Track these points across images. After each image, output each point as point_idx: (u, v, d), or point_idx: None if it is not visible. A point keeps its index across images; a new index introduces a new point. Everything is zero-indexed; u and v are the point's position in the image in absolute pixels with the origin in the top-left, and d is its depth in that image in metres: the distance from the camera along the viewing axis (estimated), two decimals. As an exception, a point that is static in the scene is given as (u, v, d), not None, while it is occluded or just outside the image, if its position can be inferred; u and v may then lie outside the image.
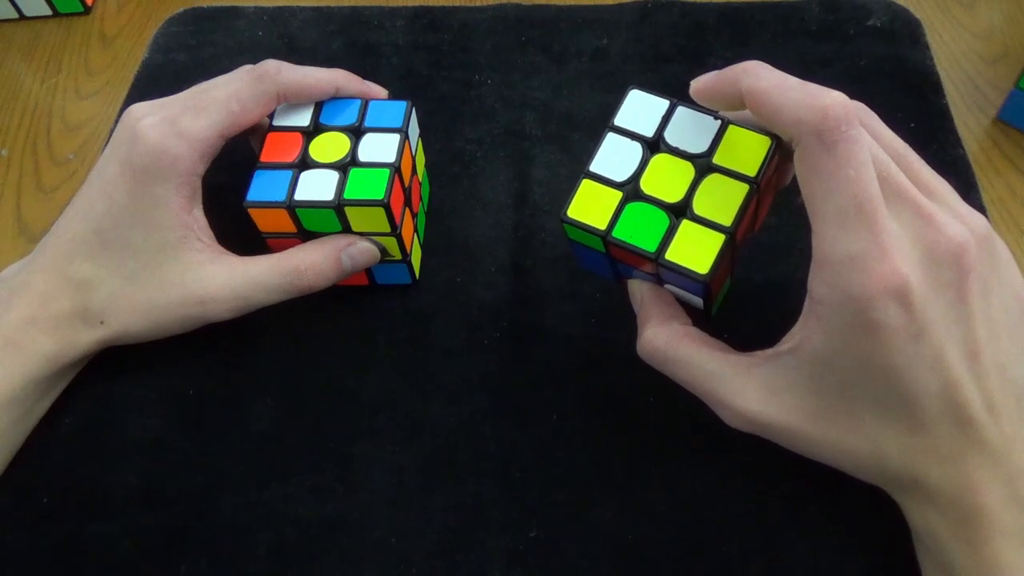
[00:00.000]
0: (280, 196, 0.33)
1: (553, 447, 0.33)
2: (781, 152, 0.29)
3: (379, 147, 0.34)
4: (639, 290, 0.31)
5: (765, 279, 0.36)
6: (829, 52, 0.44)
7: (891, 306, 0.24)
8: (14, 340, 0.31)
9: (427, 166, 0.40)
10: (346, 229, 0.34)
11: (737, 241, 0.29)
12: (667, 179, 0.29)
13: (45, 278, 0.33)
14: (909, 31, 0.45)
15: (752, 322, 0.32)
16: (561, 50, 0.45)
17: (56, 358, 0.32)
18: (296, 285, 0.33)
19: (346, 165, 0.33)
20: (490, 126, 0.43)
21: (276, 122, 0.35)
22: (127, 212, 0.32)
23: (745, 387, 0.28)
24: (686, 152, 0.29)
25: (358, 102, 0.35)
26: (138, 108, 0.34)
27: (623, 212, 0.29)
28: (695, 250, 0.28)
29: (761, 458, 0.30)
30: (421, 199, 0.38)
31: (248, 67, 0.35)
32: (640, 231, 0.29)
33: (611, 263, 0.31)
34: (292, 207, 0.33)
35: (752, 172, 0.28)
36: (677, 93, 0.31)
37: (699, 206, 0.29)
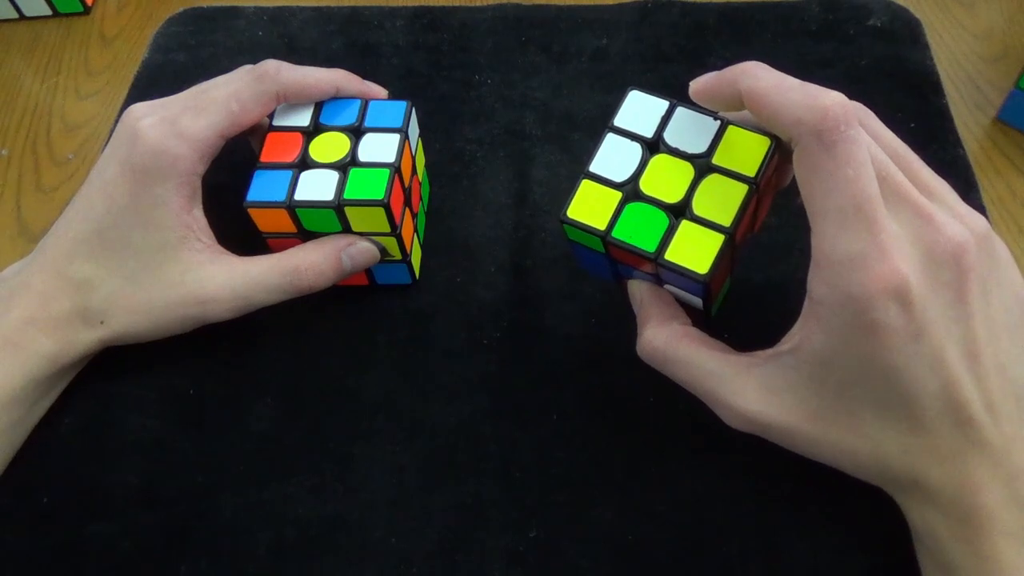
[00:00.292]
0: (280, 196, 0.33)
1: (553, 447, 0.33)
2: (780, 152, 0.29)
3: (379, 147, 0.34)
4: (639, 290, 0.31)
5: (765, 279, 0.36)
6: (829, 52, 0.44)
7: (891, 306, 0.24)
8: (14, 340, 0.31)
9: (427, 166, 0.40)
10: (346, 229, 0.34)
11: (737, 241, 0.29)
12: (667, 179, 0.29)
13: (45, 278, 0.33)
14: (909, 31, 0.45)
15: (752, 322, 0.32)
16: (561, 50, 0.45)
17: (56, 358, 0.32)
18: (296, 285, 0.33)
19: (346, 165, 0.33)
20: (490, 126, 0.43)
21: (276, 122, 0.35)
22: (127, 212, 0.32)
23: (745, 387, 0.28)
24: (686, 152, 0.29)
25: (358, 102, 0.35)
26: (138, 108, 0.34)
27: (623, 212, 0.29)
28: (695, 250, 0.28)
29: (761, 458, 0.30)
30: (421, 199, 0.38)
31: (248, 67, 0.35)
32: (640, 231, 0.29)
33: (611, 263, 0.31)
34: (292, 207, 0.33)
35: (752, 172, 0.28)
36: (677, 93, 0.31)
37: (699, 206, 0.29)
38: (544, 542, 0.31)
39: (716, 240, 0.28)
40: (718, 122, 0.29)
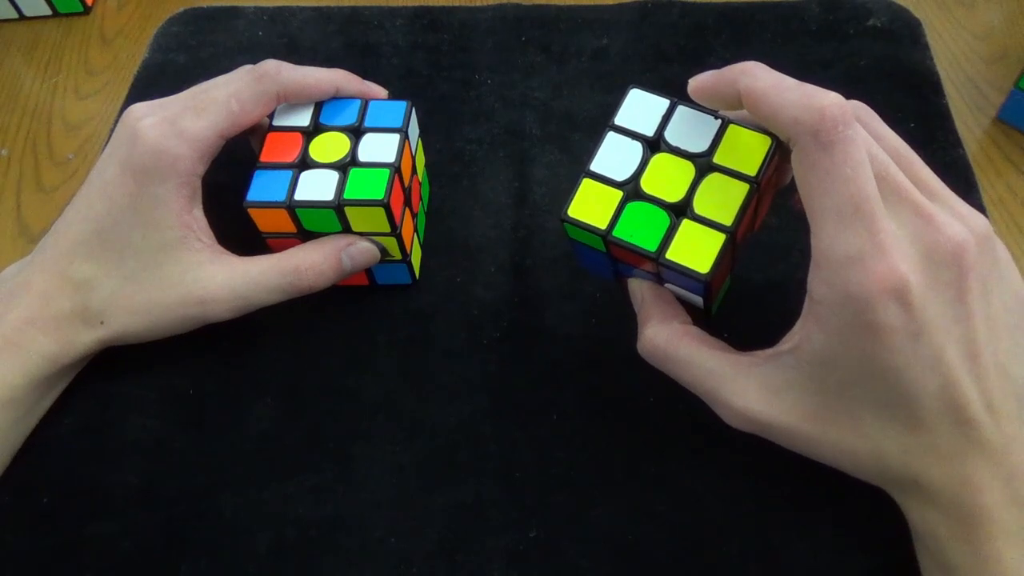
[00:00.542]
0: (280, 196, 0.33)
1: (553, 447, 0.33)
2: (781, 152, 0.29)
3: (379, 147, 0.34)
4: (639, 289, 0.31)
5: (765, 279, 0.36)
6: (829, 52, 0.44)
7: (890, 306, 0.24)
8: (14, 340, 0.31)
9: (427, 166, 0.40)
10: (346, 229, 0.34)
11: (737, 240, 0.29)
12: (667, 178, 0.29)
13: (45, 278, 0.33)
14: (909, 31, 0.45)
15: (752, 322, 0.32)
16: (561, 50, 0.45)
17: (56, 358, 0.32)
18: (296, 285, 0.33)
19: (346, 165, 0.33)
20: (490, 126, 0.43)
21: (276, 122, 0.35)
22: (127, 212, 0.32)
23: (745, 387, 0.28)
24: (686, 151, 0.29)
25: (358, 102, 0.35)
26: (138, 108, 0.34)
27: (623, 211, 0.29)
28: (696, 249, 0.28)
29: (761, 458, 0.30)
30: (421, 199, 0.38)
31: (248, 67, 0.35)
32: (640, 230, 0.29)
33: (611, 262, 0.31)
34: (292, 207, 0.33)
35: (752, 171, 0.28)
36: (677, 93, 0.31)
37: (699, 205, 0.29)
38: (544, 542, 0.31)
39: (717, 239, 0.28)
40: (719, 121, 0.29)
